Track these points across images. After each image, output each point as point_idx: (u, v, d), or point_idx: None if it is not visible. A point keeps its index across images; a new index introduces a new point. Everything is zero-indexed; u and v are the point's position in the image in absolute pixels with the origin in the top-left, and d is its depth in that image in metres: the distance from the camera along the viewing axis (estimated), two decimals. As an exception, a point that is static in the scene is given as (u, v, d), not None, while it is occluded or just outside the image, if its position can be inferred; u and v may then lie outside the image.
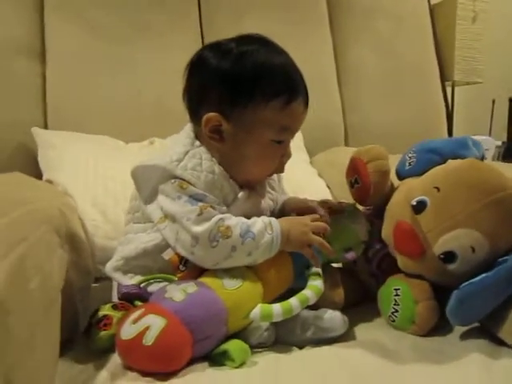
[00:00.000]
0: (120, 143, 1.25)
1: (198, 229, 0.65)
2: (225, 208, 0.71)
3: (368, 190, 0.75)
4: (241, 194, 0.73)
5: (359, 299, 0.79)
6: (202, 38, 1.47)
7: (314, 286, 0.67)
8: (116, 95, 1.34)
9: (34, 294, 0.47)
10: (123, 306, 0.66)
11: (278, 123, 0.70)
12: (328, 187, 1.26)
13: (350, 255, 0.76)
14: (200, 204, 0.66)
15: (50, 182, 1.01)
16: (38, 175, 1.13)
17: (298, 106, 0.71)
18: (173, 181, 0.68)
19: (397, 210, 0.71)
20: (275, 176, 0.83)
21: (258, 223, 0.67)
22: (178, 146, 0.72)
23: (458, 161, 0.68)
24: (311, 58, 1.62)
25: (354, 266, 0.83)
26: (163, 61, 1.37)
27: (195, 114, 0.73)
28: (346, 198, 1.11)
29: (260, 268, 0.68)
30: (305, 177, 1.27)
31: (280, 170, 0.77)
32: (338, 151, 1.44)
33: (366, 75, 1.73)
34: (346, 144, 1.66)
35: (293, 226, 0.69)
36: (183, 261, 0.68)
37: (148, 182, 0.71)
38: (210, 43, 0.76)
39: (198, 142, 0.72)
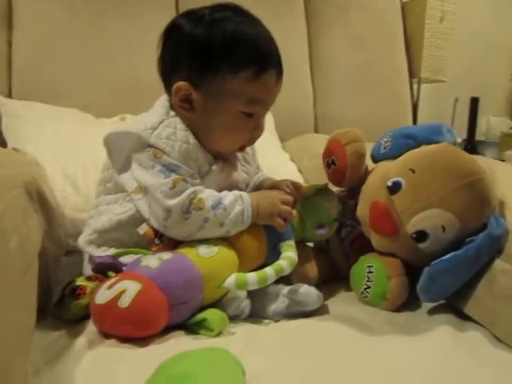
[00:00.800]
0: (90, 117, 1.21)
1: (171, 202, 0.65)
2: (198, 180, 0.70)
3: (345, 172, 0.77)
4: (215, 166, 0.74)
5: (330, 277, 0.81)
6: (177, 8, 1.43)
7: (289, 256, 0.68)
8: (87, 67, 1.30)
9: (13, 254, 0.45)
10: (97, 277, 0.65)
11: (247, 95, 0.69)
12: (299, 171, 1.27)
13: (323, 231, 0.77)
14: (173, 176, 0.66)
15: (16, 150, 0.96)
16: (0, 145, 1.09)
17: (269, 78, 0.70)
18: (148, 149, 0.67)
19: (373, 191, 0.72)
20: (249, 149, 0.83)
21: (229, 196, 0.69)
22: (153, 116, 0.72)
23: (433, 145, 0.70)
24: (285, 46, 1.57)
25: (327, 245, 0.85)
26: (137, 32, 1.34)
27: (168, 83, 0.73)
28: (318, 182, 1.14)
29: (235, 240, 0.68)
30: (277, 160, 1.28)
31: (251, 142, 0.78)
32: (308, 138, 1.46)
33: (338, 66, 1.76)
34: (316, 132, 1.69)
35: (262, 198, 0.71)
36: (158, 234, 0.68)
37: (121, 150, 0.70)
38: (185, 11, 0.75)
39: (172, 113, 0.72)
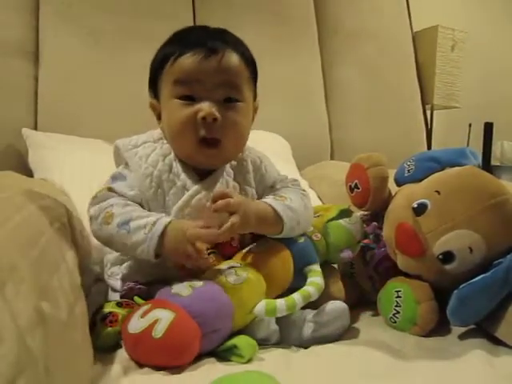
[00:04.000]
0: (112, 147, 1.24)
1: (90, 210, 0.67)
2: (155, 203, 0.69)
3: (368, 195, 0.78)
4: (192, 189, 0.69)
5: (356, 302, 0.81)
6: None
7: (315, 282, 0.68)
8: (109, 99, 1.33)
9: (61, 288, 0.46)
10: (128, 304, 0.65)
11: (171, 79, 0.69)
12: (319, 198, 1.28)
13: (347, 254, 0.77)
14: (102, 186, 0.69)
15: (44, 181, 0.99)
16: (27, 175, 1.12)
17: (189, 58, 0.67)
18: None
19: (398, 212, 0.73)
20: (250, 168, 0.76)
21: (141, 220, 0.63)
22: (145, 136, 0.75)
23: (458, 167, 0.71)
24: (300, 74, 1.67)
25: (351, 268, 0.84)
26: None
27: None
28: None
29: (262, 264, 0.68)
30: (296, 188, 1.29)
31: (206, 129, 0.68)
32: (326, 165, 1.47)
33: (352, 94, 1.79)
34: (332, 157, 1.71)
35: (173, 230, 0.63)
36: None
37: (117, 164, 0.76)
38: None
39: (165, 140, 0.74)
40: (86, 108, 1.31)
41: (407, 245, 0.69)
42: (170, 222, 0.63)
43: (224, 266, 0.66)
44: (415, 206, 0.70)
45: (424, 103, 2.03)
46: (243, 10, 1.60)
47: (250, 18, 1.60)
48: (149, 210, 0.68)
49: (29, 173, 1.13)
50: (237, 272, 0.65)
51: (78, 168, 1.04)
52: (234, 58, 0.69)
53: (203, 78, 0.67)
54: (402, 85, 1.94)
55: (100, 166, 1.06)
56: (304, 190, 0.79)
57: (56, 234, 0.53)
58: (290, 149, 1.48)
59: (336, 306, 0.66)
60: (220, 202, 0.62)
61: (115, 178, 0.70)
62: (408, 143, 1.87)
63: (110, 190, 0.68)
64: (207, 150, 0.69)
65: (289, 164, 1.42)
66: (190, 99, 0.68)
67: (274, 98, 1.55)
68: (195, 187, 0.69)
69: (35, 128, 1.25)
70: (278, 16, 1.66)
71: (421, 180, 0.75)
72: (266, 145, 1.25)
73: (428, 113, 2.09)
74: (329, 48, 1.76)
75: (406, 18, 2.01)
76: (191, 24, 1.50)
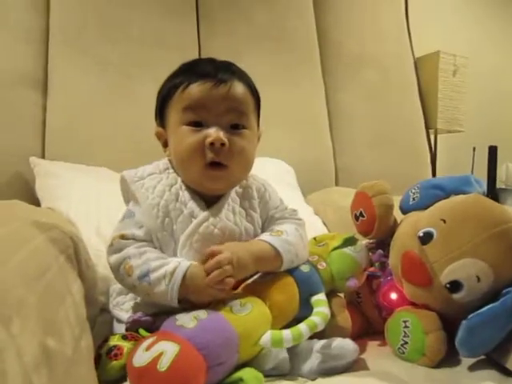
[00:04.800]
0: (116, 175, 1.25)
1: (110, 259, 0.69)
2: (165, 232, 0.69)
3: (373, 223, 0.78)
4: (199, 217, 0.69)
5: (363, 331, 0.80)
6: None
7: (321, 312, 0.68)
8: (115, 129, 1.35)
9: (67, 320, 0.46)
10: (133, 336, 0.65)
11: (181, 106, 0.71)
12: (324, 224, 1.28)
13: (353, 283, 0.77)
14: (115, 234, 0.69)
15: (50, 209, 1.00)
16: (34, 204, 1.12)
17: (199, 86, 0.70)
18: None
19: (404, 241, 0.73)
20: (255, 194, 0.77)
21: (161, 269, 0.64)
22: (151, 167, 0.76)
23: (463, 195, 0.71)
24: (304, 101, 1.69)
25: (358, 297, 0.84)
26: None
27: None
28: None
29: (267, 295, 0.68)
30: (301, 214, 1.28)
31: (215, 153, 0.69)
32: (331, 191, 1.47)
33: (356, 119, 1.81)
34: (337, 182, 1.71)
35: (197, 279, 0.63)
36: None
37: (124, 194, 0.77)
38: None
39: (171, 170, 0.75)
40: (93, 137, 1.33)
41: (413, 274, 0.69)
42: (188, 268, 0.65)
43: (229, 296, 0.66)
44: (421, 234, 0.70)
45: (427, 128, 2.04)
46: (247, 38, 1.63)
47: (253, 46, 1.64)
48: (158, 242, 0.69)
49: (36, 201, 1.14)
50: (242, 303, 0.65)
51: (84, 196, 1.05)
52: (240, 88, 0.72)
53: (211, 104, 0.70)
54: (405, 110, 1.96)
55: (106, 193, 1.08)
56: (300, 220, 0.80)
57: (62, 266, 0.54)
58: (294, 175, 1.49)
59: (345, 344, 0.65)
60: (210, 263, 0.63)
61: (124, 216, 0.72)
62: (412, 168, 1.88)
63: (123, 237, 0.68)
64: (214, 172, 0.70)
65: (294, 190, 1.43)
66: (198, 125, 0.70)
67: (278, 125, 1.57)
68: (203, 214, 0.70)
69: (43, 156, 1.27)
70: (281, 43, 1.69)
71: (426, 208, 0.75)
72: (270, 171, 1.26)
73: (432, 137, 2.10)
74: (332, 74, 1.78)
75: (407, 44, 2.04)
76: (196, 53, 1.53)
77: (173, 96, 0.72)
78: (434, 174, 2.00)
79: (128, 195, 0.75)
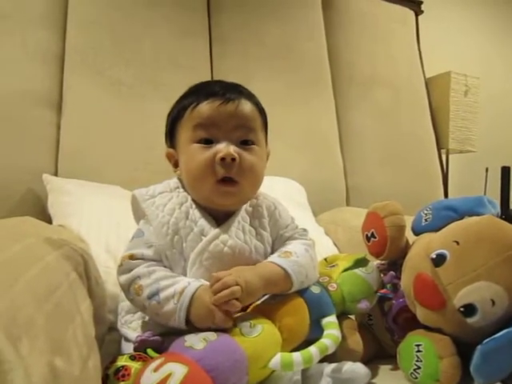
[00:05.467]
0: (128, 193, 1.26)
1: (120, 280, 0.69)
2: (175, 250, 0.69)
3: (385, 245, 0.77)
4: (210, 236, 0.69)
5: (375, 354, 0.79)
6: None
7: (332, 334, 0.67)
8: (128, 147, 1.37)
9: (76, 339, 0.46)
10: (141, 357, 0.64)
11: (190, 125, 0.72)
12: (335, 245, 1.27)
13: (364, 305, 0.76)
14: (125, 254, 0.69)
15: (61, 226, 1.00)
16: (46, 221, 1.13)
17: (208, 105, 0.71)
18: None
19: (416, 263, 0.71)
20: (265, 213, 0.77)
21: (171, 289, 0.64)
22: (161, 186, 0.76)
23: (477, 217, 0.70)
24: (315, 121, 1.70)
25: (369, 319, 0.82)
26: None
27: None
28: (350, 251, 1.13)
29: (277, 316, 0.67)
30: (312, 234, 1.27)
31: (226, 168, 0.70)
32: (342, 211, 1.47)
33: (367, 139, 1.81)
34: (348, 202, 1.70)
35: (205, 300, 0.62)
36: None
37: (135, 213, 0.77)
38: None
39: (181, 189, 0.76)
40: (106, 156, 1.34)
41: (426, 297, 0.68)
42: (197, 289, 0.64)
43: (239, 318, 0.65)
44: (434, 256, 0.69)
45: (439, 148, 2.04)
46: (258, 58, 1.65)
47: (264, 66, 1.66)
48: (167, 260, 0.69)
49: (48, 218, 1.15)
50: (252, 324, 0.64)
51: (95, 213, 1.06)
52: (248, 105, 0.74)
53: (221, 121, 0.71)
54: (416, 130, 1.96)
55: (117, 211, 1.08)
56: (310, 240, 0.80)
57: (72, 284, 0.54)
58: (305, 194, 1.49)
59: (356, 367, 0.64)
60: (217, 284, 0.62)
61: (133, 235, 0.72)
62: (424, 188, 1.87)
63: (132, 257, 0.68)
64: (225, 188, 0.71)
65: (304, 210, 1.42)
66: (208, 142, 0.71)
67: (289, 144, 1.58)
68: (213, 232, 0.70)
69: (56, 174, 1.28)
70: (292, 63, 1.71)
71: (438, 229, 0.74)
72: (281, 190, 1.26)
73: (444, 157, 2.09)
74: (343, 94, 1.80)
75: (418, 65, 2.05)
76: (209, 72, 1.55)
77: (182, 116, 0.74)
78: (446, 195, 1.99)
79: (138, 213, 0.75)
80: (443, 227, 0.74)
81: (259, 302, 0.70)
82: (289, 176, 1.50)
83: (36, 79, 1.33)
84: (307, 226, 1.28)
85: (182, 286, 0.64)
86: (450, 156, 2.19)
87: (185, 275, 0.68)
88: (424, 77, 2.06)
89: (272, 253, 0.75)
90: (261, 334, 0.63)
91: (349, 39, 1.88)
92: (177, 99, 0.78)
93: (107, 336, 0.80)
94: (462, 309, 0.65)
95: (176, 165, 0.77)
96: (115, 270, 0.92)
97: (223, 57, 1.60)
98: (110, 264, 0.92)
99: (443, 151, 2.11)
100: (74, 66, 1.37)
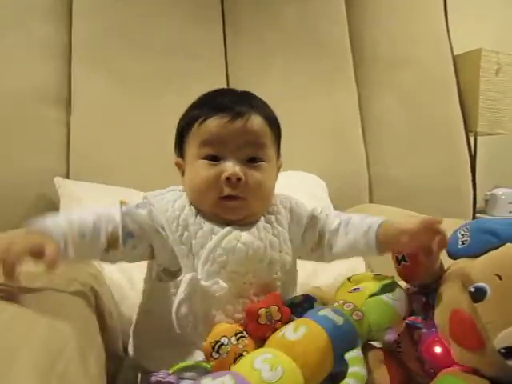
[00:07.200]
0: (140, 195, 1.22)
1: None
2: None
3: (417, 270, 0.71)
4: (223, 231, 0.68)
5: (404, 383, 0.74)
6: (228, 82, 1.46)
7: (357, 373, 0.62)
8: (141, 145, 1.32)
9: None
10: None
11: (197, 141, 0.70)
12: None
13: (392, 336, 0.71)
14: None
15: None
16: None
17: (216, 121, 0.69)
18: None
19: (452, 296, 0.65)
20: (282, 210, 0.76)
21: None
22: (171, 187, 0.75)
23: (522, 247, 0.63)
24: (336, 109, 1.62)
25: (397, 346, 0.77)
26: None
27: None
28: (378, 262, 1.07)
29: (299, 355, 0.62)
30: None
31: (231, 187, 0.68)
32: (365, 209, 1.40)
33: (390, 126, 1.72)
34: (371, 196, 1.63)
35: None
36: (216, 348, 0.64)
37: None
38: None
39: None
40: (118, 155, 1.30)
41: (463, 337, 0.62)
42: None
43: (256, 357, 0.61)
44: (472, 290, 0.62)
45: (467, 131, 1.93)
46: (275, 45, 1.56)
47: (281, 53, 1.57)
48: (172, 254, 0.67)
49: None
50: (272, 366, 0.59)
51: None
52: (258, 120, 0.71)
53: (228, 139, 0.69)
54: (443, 113, 1.85)
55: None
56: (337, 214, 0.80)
57: (79, 339, 0.49)
58: (326, 190, 1.42)
59: None
60: None
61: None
62: (451, 176, 1.78)
63: (123, 203, 0.68)
64: (229, 203, 0.69)
65: (324, 205, 1.36)
66: (215, 159, 0.70)
67: (309, 137, 1.51)
68: (225, 229, 0.69)
69: (67, 176, 1.25)
70: (311, 49, 1.61)
71: (476, 255, 0.67)
72: (301, 188, 1.20)
73: (471, 140, 1.99)
74: (365, 80, 1.70)
75: (446, 42, 1.92)
76: (223, 64, 1.47)
77: (190, 129, 0.72)
78: (473, 181, 1.89)
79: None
80: (482, 253, 0.67)
81: (278, 335, 0.66)
82: (309, 170, 1.44)
83: (43, 75, 1.29)
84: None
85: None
86: (479, 138, 2.08)
87: (194, 272, 0.66)
88: (452, 55, 1.93)
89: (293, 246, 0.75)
90: (282, 377, 0.58)
91: (371, 18, 1.76)
92: (187, 108, 0.75)
93: (120, 374, 0.77)
94: (502, 351, 0.59)
95: (184, 174, 0.75)
96: (129, 291, 0.90)
97: (237, 44, 1.52)
98: (124, 283, 0.89)
99: (471, 134, 2.00)
100: (82, 61, 1.32)
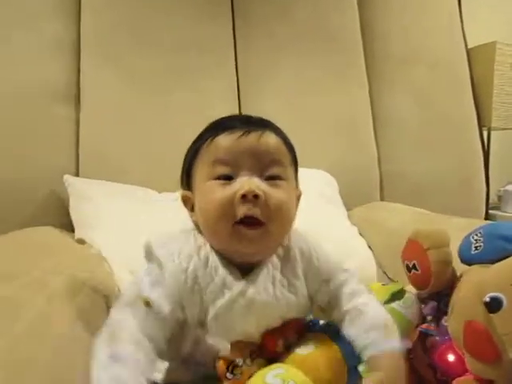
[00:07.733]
0: (152, 194, 1.21)
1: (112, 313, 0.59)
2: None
3: (428, 280, 0.70)
4: (235, 291, 0.59)
5: (416, 392, 0.73)
6: (238, 85, 1.44)
7: None
8: (151, 143, 1.31)
9: None
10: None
11: (208, 161, 0.62)
12: (369, 248, 1.19)
13: (405, 344, 0.69)
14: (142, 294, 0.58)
15: (82, 241, 0.97)
16: (68, 224, 1.11)
17: (225, 138, 0.61)
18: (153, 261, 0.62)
19: (467, 306, 0.64)
20: (298, 256, 0.66)
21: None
22: (178, 230, 0.66)
23: (539, 256, 0.61)
24: (348, 105, 1.59)
25: (409, 354, 0.76)
26: (199, 108, 1.35)
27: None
28: (389, 261, 1.06)
29: (311, 370, 0.61)
30: (343, 233, 1.21)
31: (248, 209, 0.58)
32: (376, 207, 1.38)
33: (402, 122, 1.69)
34: (382, 193, 1.61)
35: None
36: (230, 368, 0.61)
37: (147, 257, 0.65)
38: None
39: (197, 233, 0.65)
40: (128, 152, 1.29)
41: (479, 349, 0.60)
42: None
43: (268, 372, 0.60)
44: (487, 300, 0.61)
45: (481, 126, 1.89)
46: (285, 39, 1.53)
47: (292, 48, 1.54)
48: (182, 310, 0.60)
49: (69, 220, 1.13)
50: (284, 380, 0.57)
51: (118, 225, 1.02)
52: (273, 137, 0.63)
53: (242, 155, 0.61)
54: (456, 108, 1.82)
55: (142, 219, 1.04)
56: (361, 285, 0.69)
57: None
58: (336, 187, 1.40)
59: None
60: None
61: (153, 283, 0.60)
62: (463, 172, 1.75)
63: (148, 304, 0.57)
64: (245, 231, 0.59)
65: (336, 207, 1.34)
66: (228, 179, 0.61)
67: (319, 132, 1.49)
68: (237, 287, 0.60)
69: (77, 173, 1.24)
70: (323, 44, 1.58)
71: (490, 261, 0.66)
72: (310, 186, 1.18)
73: (485, 135, 1.95)
74: (377, 74, 1.66)
75: (459, 36, 1.88)
76: (233, 59, 1.45)
77: (198, 154, 0.64)
78: (487, 177, 1.86)
79: (151, 258, 0.64)
80: (496, 260, 0.65)
81: (293, 352, 0.64)
82: (319, 165, 1.42)
83: (53, 73, 1.28)
84: (339, 226, 1.24)
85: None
86: (492, 133, 2.04)
87: (202, 326, 0.60)
88: (466, 48, 1.89)
89: (309, 303, 0.67)
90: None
91: (383, 11, 1.73)
92: (194, 140, 0.67)
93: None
94: (519, 362, 0.58)
95: (192, 209, 0.66)
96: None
97: (247, 37, 1.50)
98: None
99: (484, 129, 1.96)
100: (91, 57, 1.30)
